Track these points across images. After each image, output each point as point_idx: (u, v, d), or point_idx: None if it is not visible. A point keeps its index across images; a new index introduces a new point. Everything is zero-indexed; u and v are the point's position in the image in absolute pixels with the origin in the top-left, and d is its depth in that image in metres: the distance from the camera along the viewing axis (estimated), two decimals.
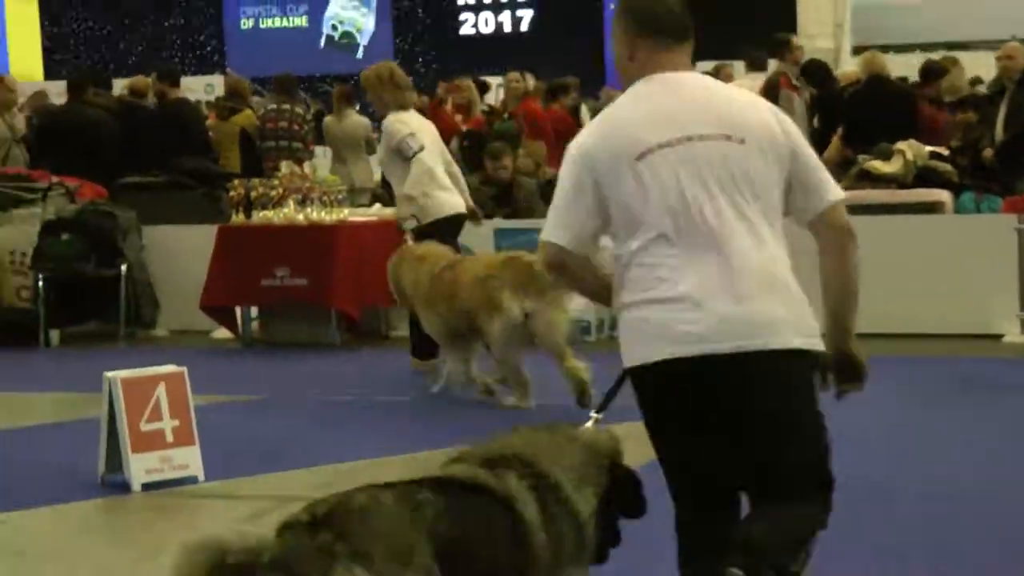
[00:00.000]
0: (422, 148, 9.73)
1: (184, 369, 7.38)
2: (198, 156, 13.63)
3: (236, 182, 12.09)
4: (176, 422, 7.26)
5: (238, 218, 11.79)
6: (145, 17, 35.44)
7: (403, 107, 9.97)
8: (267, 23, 36.20)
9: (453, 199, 10.02)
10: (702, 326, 4.15)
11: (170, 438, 7.25)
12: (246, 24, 36.19)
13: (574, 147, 4.43)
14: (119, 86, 19.14)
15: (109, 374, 7.21)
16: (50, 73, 32.06)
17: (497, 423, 8.46)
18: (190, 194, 13.16)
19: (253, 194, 11.72)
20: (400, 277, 9.45)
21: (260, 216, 11.67)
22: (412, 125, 9.89)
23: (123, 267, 12.09)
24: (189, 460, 7.30)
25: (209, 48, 35.61)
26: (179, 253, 12.40)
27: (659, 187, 4.23)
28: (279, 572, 3.63)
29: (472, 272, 8.94)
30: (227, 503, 7.04)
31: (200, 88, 25.06)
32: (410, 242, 9.62)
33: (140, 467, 7.15)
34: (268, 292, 11.48)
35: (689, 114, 4.30)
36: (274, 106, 15.04)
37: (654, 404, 4.30)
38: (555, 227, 4.41)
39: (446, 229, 9.87)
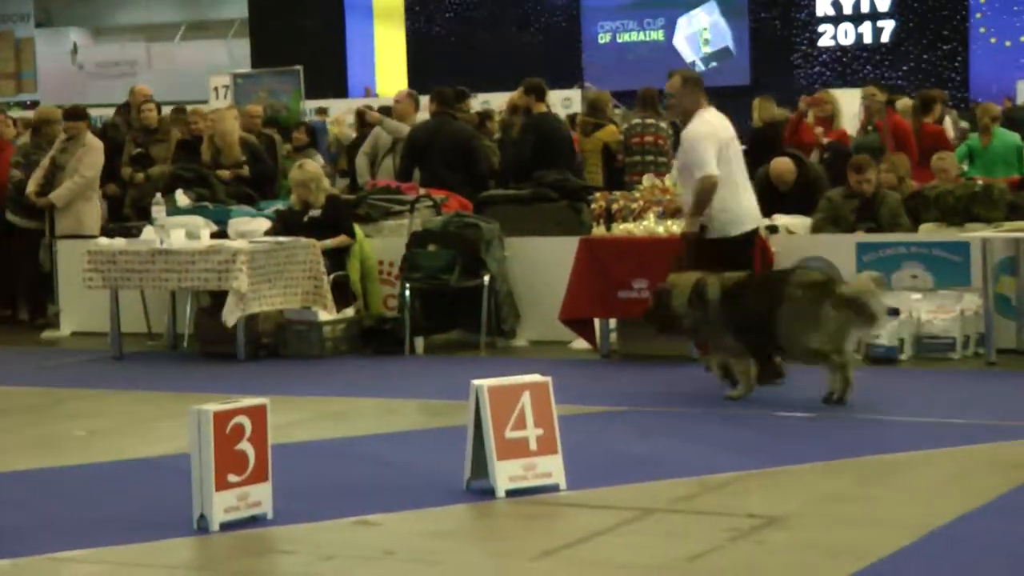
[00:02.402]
0: None
1: (549, 379, 7.46)
2: (561, 169, 13.78)
3: (598, 195, 12.18)
4: (540, 431, 7.34)
5: (599, 230, 11.89)
6: (504, 33, 36.17)
7: None
8: (624, 37, 36.48)
9: None
10: None
11: (534, 446, 7.32)
12: (603, 38, 36.54)
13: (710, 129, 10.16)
14: (478, 102, 19.56)
15: (476, 382, 7.32)
16: (414, 89, 32.98)
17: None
18: (552, 206, 13.30)
19: (614, 207, 11.80)
20: None
21: (621, 229, 11.74)
22: None
23: (486, 278, 12.29)
24: (552, 468, 7.37)
25: (567, 62, 36.06)
26: (540, 264, 12.56)
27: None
28: None
29: None
30: (590, 512, 7.08)
31: (557, 102, 25.39)
32: None
33: (505, 474, 7.25)
34: (627, 304, 11.51)
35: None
36: (639, 121, 15.11)
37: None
38: (713, 167, 10.06)
39: None
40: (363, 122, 17.75)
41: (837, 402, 9.44)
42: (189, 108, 16.80)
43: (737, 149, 10.53)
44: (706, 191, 10.11)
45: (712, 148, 10.14)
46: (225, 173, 14.53)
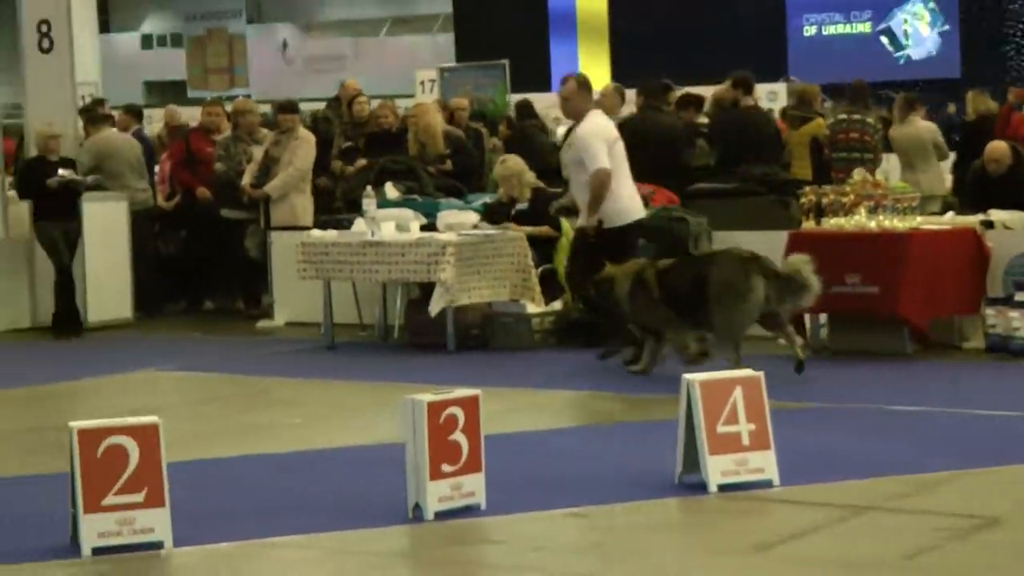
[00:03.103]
0: None
1: (761, 374, 7.40)
2: (769, 163, 13.65)
3: (807, 189, 12.03)
4: (752, 426, 7.28)
5: (808, 224, 11.74)
6: (708, 26, 35.94)
7: None
8: (830, 30, 36.00)
9: None
10: None
11: (746, 441, 7.27)
12: (809, 31, 36.12)
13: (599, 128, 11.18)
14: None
15: (687, 376, 7.31)
16: (618, 82, 32.87)
17: None
18: (760, 200, 13.16)
19: (824, 201, 11.64)
20: None
21: (831, 223, 11.58)
22: None
23: None
24: (765, 464, 7.31)
25: (771, 55, 35.68)
26: None
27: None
28: None
29: None
30: (800, 508, 7.01)
31: (763, 95, 25.17)
32: None
33: (716, 469, 7.21)
34: (838, 299, 11.31)
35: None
36: (844, 116, 14.87)
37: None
38: (605, 160, 10.96)
39: None
40: (521, 115, 17.82)
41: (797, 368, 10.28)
42: (376, 102, 16.96)
43: (621, 149, 11.35)
44: (601, 183, 11.04)
45: (602, 145, 11.08)
46: (429, 168, 14.69)
